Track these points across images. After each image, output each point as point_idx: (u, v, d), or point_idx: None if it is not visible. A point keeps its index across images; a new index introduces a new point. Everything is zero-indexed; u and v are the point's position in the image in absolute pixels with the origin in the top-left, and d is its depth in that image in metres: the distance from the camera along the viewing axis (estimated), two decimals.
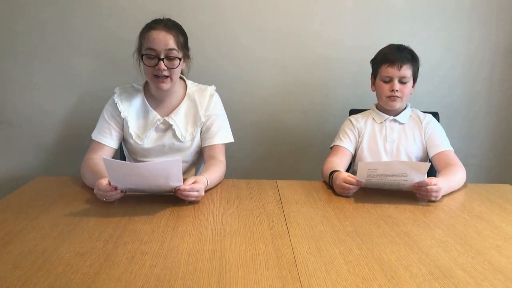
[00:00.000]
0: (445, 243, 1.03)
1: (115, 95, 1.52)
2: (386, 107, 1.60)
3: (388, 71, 1.54)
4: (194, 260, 0.91)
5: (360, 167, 1.31)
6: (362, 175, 1.30)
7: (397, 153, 1.58)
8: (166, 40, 1.38)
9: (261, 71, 2.00)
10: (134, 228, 1.07)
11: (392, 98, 1.56)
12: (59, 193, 1.33)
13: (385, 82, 1.56)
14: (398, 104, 1.58)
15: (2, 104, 1.95)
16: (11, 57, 1.91)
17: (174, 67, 1.42)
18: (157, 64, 1.39)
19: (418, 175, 1.29)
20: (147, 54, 1.40)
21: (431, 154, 1.56)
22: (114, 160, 1.19)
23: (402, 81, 1.55)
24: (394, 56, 1.53)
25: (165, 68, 1.40)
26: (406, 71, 1.53)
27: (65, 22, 1.89)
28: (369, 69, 1.66)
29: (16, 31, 1.88)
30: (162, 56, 1.39)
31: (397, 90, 1.54)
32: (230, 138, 1.56)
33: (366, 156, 1.61)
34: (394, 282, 0.84)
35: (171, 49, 1.39)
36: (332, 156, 1.59)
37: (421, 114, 1.64)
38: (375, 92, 1.64)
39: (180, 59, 1.42)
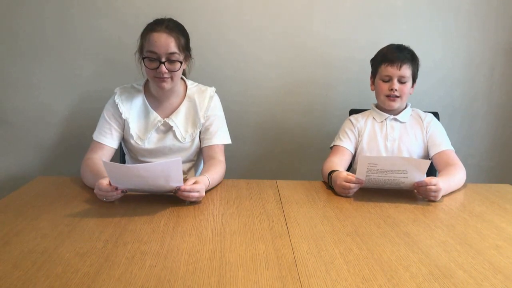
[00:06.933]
0: (445, 243, 1.03)
1: (116, 96, 1.52)
2: (385, 106, 1.60)
3: (388, 70, 1.54)
4: (194, 260, 0.91)
5: (360, 161, 1.31)
6: (362, 170, 1.30)
7: (398, 151, 1.58)
8: (167, 44, 1.38)
9: (261, 71, 2.00)
10: (134, 228, 1.07)
11: (391, 98, 1.56)
12: (59, 193, 1.33)
13: (384, 81, 1.57)
14: (397, 104, 1.58)
15: (2, 104, 1.95)
16: (11, 57, 1.91)
17: (175, 70, 1.42)
18: (158, 67, 1.39)
19: (418, 173, 1.29)
20: (148, 56, 1.40)
21: (431, 154, 1.56)
22: (113, 163, 1.18)
23: (401, 81, 1.55)
24: (393, 56, 1.53)
25: (166, 71, 1.40)
26: (406, 70, 1.53)
27: (65, 23, 1.89)
28: (369, 69, 1.66)
29: (16, 31, 1.88)
30: (163, 60, 1.39)
31: (396, 90, 1.54)
32: (228, 140, 1.57)
33: (366, 154, 1.61)
34: (394, 282, 0.84)
35: (172, 53, 1.39)
36: (332, 156, 1.59)
37: (422, 114, 1.64)
38: (374, 92, 1.64)
39: (181, 62, 1.42)
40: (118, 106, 1.50)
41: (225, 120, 1.59)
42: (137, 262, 0.90)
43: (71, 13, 1.88)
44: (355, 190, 1.34)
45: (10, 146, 1.99)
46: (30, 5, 1.86)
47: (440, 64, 2.03)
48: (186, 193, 1.21)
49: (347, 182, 1.33)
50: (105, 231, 1.05)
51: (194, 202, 1.26)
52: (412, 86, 1.60)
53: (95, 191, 1.24)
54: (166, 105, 1.54)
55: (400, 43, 1.60)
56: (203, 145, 1.54)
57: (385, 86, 1.56)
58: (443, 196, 1.35)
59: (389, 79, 1.55)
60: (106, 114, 1.51)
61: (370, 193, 1.37)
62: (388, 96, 1.56)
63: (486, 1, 1.97)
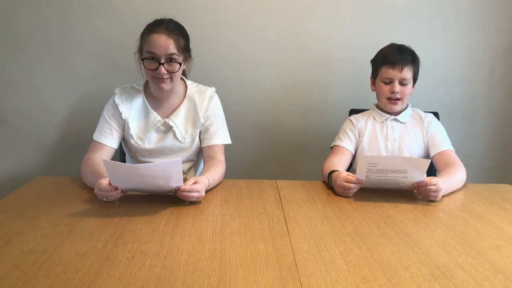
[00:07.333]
0: (445, 243, 1.03)
1: (116, 96, 1.52)
2: (386, 109, 1.60)
3: (389, 72, 1.54)
4: (194, 260, 0.91)
5: (360, 161, 1.31)
6: (362, 170, 1.30)
7: (399, 152, 1.58)
8: (166, 45, 1.38)
9: (261, 72, 2.00)
10: (134, 228, 1.07)
11: (392, 101, 1.56)
12: (59, 193, 1.33)
13: (386, 83, 1.56)
14: (398, 107, 1.58)
15: (2, 104, 1.95)
16: (12, 57, 1.91)
17: (175, 71, 1.42)
18: (157, 68, 1.39)
19: (418, 173, 1.29)
20: (147, 57, 1.40)
21: (432, 154, 1.56)
22: (114, 162, 1.19)
23: (402, 83, 1.54)
24: (395, 58, 1.53)
25: (166, 72, 1.40)
26: (407, 73, 1.53)
27: (65, 22, 1.88)
28: (369, 69, 1.66)
29: (17, 31, 1.88)
30: (162, 61, 1.39)
31: (397, 92, 1.54)
32: (228, 140, 1.57)
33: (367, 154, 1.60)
34: (394, 282, 0.84)
35: (171, 54, 1.39)
36: (332, 156, 1.59)
37: (423, 114, 1.64)
38: (375, 92, 1.64)
39: (180, 64, 1.42)
40: (118, 106, 1.50)
41: (225, 120, 1.59)
42: (137, 262, 0.90)
43: (71, 13, 1.88)
44: (355, 190, 1.34)
45: (10, 146, 1.99)
46: (30, 5, 1.86)
47: (440, 64, 2.03)
48: (186, 193, 1.21)
49: (347, 182, 1.33)
50: (105, 231, 1.05)
51: (194, 202, 1.26)
52: (413, 87, 1.60)
53: (95, 191, 1.24)
54: (166, 105, 1.54)
55: (400, 43, 1.60)
56: (203, 145, 1.54)
57: (386, 89, 1.56)
58: (443, 196, 1.35)
59: (390, 81, 1.55)
60: (106, 114, 1.51)
61: (370, 193, 1.37)
62: (389, 98, 1.56)
63: (486, 1, 1.97)
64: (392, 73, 1.53)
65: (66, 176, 1.50)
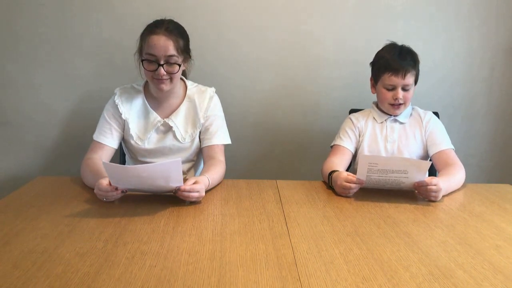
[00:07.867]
0: (445, 243, 1.03)
1: (116, 96, 1.52)
2: (390, 113, 1.60)
3: (392, 80, 1.52)
4: (194, 260, 0.91)
5: (360, 161, 1.31)
6: (362, 170, 1.30)
7: (398, 153, 1.58)
8: (166, 46, 1.38)
9: (260, 72, 2.00)
10: (134, 228, 1.07)
11: (395, 106, 1.55)
12: (59, 193, 1.33)
13: (388, 89, 1.55)
14: (401, 111, 1.58)
15: (2, 104, 1.95)
16: (12, 58, 1.91)
17: (174, 72, 1.42)
18: (157, 69, 1.39)
19: (419, 173, 1.29)
20: (147, 59, 1.40)
21: (431, 153, 1.56)
22: (113, 164, 1.18)
23: (405, 89, 1.53)
24: (397, 65, 1.50)
25: (165, 73, 1.40)
26: (410, 78, 1.52)
27: (65, 23, 1.88)
28: (368, 69, 1.65)
29: (17, 32, 1.88)
30: (161, 62, 1.39)
31: (401, 98, 1.53)
32: (227, 140, 1.57)
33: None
34: (394, 282, 0.84)
35: (171, 55, 1.39)
36: (332, 156, 1.59)
37: (422, 112, 1.64)
38: (376, 95, 1.64)
39: (179, 65, 1.42)
40: (118, 106, 1.50)
41: (225, 120, 1.59)
42: (137, 262, 0.90)
43: (71, 13, 1.88)
44: (355, 190, 1.34)
45: (10, 146, 1.99)
46: (30, 5, 1.86)
47: (440, 64, 2.03)
48: (186, 193, 1.21)
49: (347, 182, 1.33)
50: (105, 231, 1.05)
51: (194, 202, 1.26)
52: (414, 86, 1.59)
53: (95, 191, 1.24)
54: (166, 105, 1.54)
55: (400, 43, 1.59)
56: (203, 145, 1.54)
57: (389, 95, 1.55)
58: (443, 196, 1.35)
59: (392, 88, 1.54)
60: (106, 114, 1.51)
61: (370, 193, 1.37)
62: (392, 104, 1.56)
63: (486, 1, 1.97)
64: (395, 80, 1.51)
65: (66, 176, 1.50)
